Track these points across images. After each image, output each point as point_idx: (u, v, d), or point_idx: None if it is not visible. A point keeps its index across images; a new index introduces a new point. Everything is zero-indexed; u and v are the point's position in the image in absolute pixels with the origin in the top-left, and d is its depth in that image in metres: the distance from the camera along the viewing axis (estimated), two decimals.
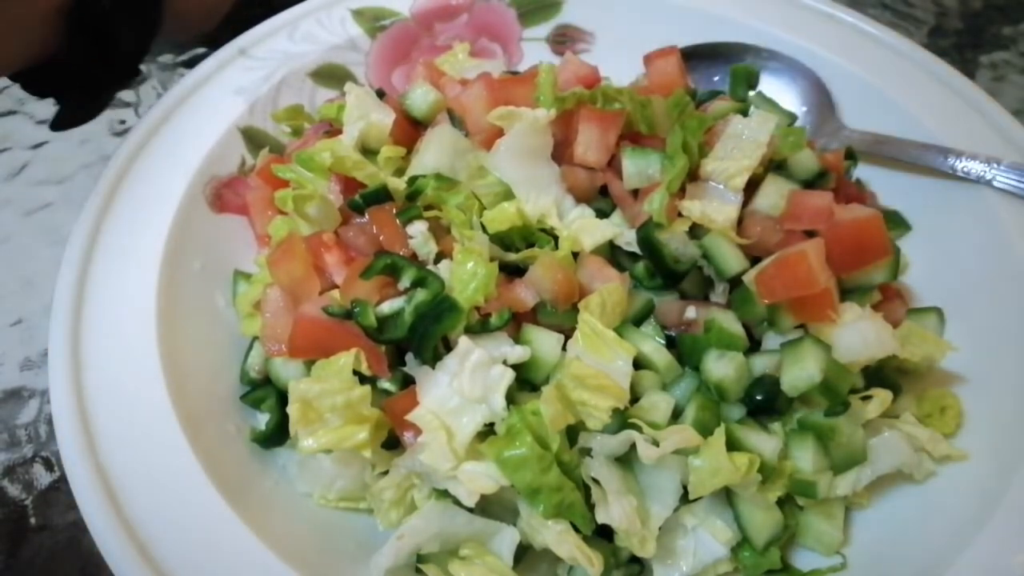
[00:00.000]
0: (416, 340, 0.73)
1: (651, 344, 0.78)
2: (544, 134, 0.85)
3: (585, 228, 0.82)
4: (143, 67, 1.31)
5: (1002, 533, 0.70)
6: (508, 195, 0.84)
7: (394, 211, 0.83)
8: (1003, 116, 0.98)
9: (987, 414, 0.82)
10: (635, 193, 0.85)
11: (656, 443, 0.70)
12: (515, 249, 0.82)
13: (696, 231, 0.83)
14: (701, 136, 0.85)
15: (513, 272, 0.80)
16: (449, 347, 0.74)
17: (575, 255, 0.81)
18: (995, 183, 0.91)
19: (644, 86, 1.01)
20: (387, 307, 0.75)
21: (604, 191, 0.88)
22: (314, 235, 0.83)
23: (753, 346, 0.81)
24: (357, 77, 1.06)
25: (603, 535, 0.72)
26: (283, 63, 1.02)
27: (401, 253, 0.81)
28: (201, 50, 1.33)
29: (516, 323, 0.76)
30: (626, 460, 0.73)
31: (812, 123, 1.06)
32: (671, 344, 0.81)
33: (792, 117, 1.05)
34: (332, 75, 1.05)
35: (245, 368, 0.83)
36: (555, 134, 0.86)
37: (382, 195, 0.84)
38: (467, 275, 0.73)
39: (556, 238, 0.82)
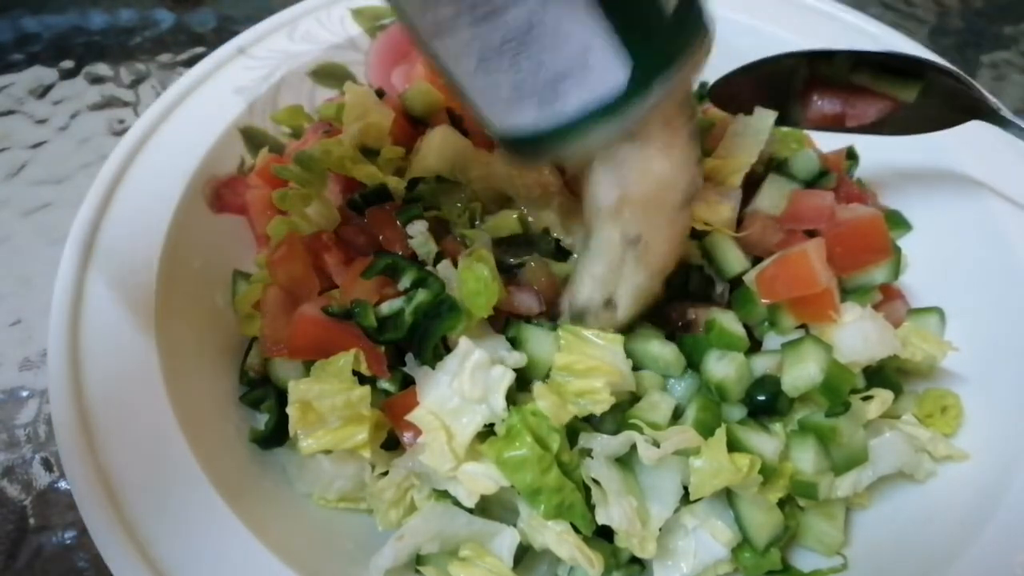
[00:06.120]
0: (416, 340, 0.73)
1: (657, 342, 0.77)
2: None
3: None
4: (142, 66, 1.31)
5: (1002, 533, 0.70)
6: (509, 197, 0.84)
7: (394, 211, 0.82)
8: (1004, 115, 0.97)
9: (988, 414, 0.82)
10: None
11: (657, 444, 0.70)
12: (517, 251, 0.82)
13: (697, 231, 0.82)
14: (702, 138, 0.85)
15: (512, 271, 0.80)
16: (449, 347, 0.74)
17: None
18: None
19: None
20: (387, 307, 0.75)
21: None
22: (314, 235, 0.83)
23: (754, 346, 0.81)
24: (357, 76, 1.06)
25: (603, 536, 0.72)
26: (282, 62, 1.01)
27: (401, 253, 0.80)
28: (200, 49, 1.33)
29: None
30: (627, 461, 0.73)
31: None
32: None
33: None
34: (332, 74, 1.05)
35: (244, 368, 0.83)
36: None
37: (382, 195, 0.84)
38: (478, 284, 0.73)
39: (558, 239, 0.82)
